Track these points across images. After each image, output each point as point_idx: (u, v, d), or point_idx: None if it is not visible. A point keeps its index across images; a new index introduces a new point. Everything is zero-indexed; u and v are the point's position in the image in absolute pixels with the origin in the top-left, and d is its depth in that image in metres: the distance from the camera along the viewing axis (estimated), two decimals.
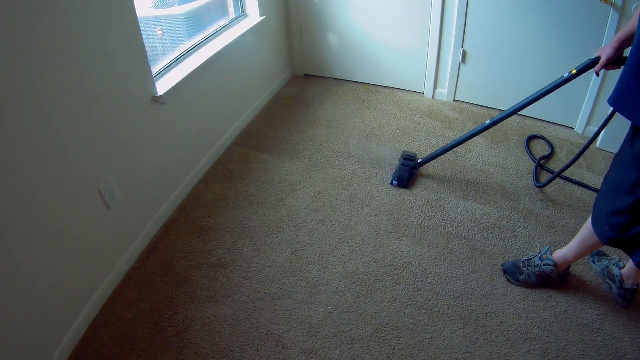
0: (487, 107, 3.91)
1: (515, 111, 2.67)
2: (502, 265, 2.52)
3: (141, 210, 2.72)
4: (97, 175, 2.32)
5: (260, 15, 3.70)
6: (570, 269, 2.44)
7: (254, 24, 3.59)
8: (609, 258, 2.51)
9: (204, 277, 2.55)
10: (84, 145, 2.20)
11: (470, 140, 3.47)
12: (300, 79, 4.54)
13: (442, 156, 3.33)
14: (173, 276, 2.57)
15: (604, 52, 2.16)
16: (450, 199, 2.99)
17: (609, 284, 2.42)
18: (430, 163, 3.27)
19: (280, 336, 2.25)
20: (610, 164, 2.00)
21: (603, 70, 2.22)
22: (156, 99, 2.63)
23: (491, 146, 3.45)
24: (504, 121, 3.66)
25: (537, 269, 2.38)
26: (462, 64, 3.78)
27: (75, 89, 2.09)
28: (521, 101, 2.64)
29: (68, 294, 2.24)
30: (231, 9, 3.65)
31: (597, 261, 2.52)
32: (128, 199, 2.55)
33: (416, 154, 3.30)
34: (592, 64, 2.28)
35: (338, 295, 2.43)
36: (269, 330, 2.28)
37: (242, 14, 3.70)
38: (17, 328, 1.97)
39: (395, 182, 3.08)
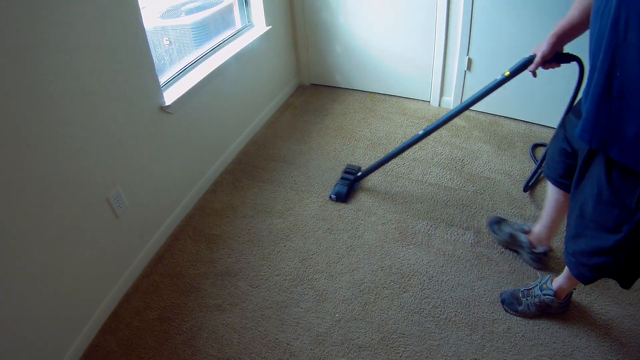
0: (493, 114, 3.91)
1: (446, 120, 2.58)
2: (500, 295, 2.44)
3: (149, 218, 2.74)
4: (105, 184, 2.34)
5: (267, 25, 3.73)
6: (572, 296, 2.36)
7: (260, 34, 3.61)
8: (509, 223, 2.49)
9: (212, 286, 2.57)
10: (92, 155, 2.23)
11: (476, 148, 3.50)
12: (307, 88, 4.57)
13: (448, 164, 3.35)
14: (181, 285, 2.59)
15: (539, 49, 2.00)
16: (457, 206, 2.99)
17: (517, 251, 2.40)
18: (437, 171, 3.29)
19: (287, 344, 2.26)
20: (576, 201, 1.83)
21: (542, 69, 2.05)
22: (164, 109, 2.65)
23: (497, 153, 3.45)
24: (510, 127, 3.71)
25: (536, 300, 2.29)
26: (467, 71, 3.79)
27: (83, 99, 2.12)
28: (451, 111, 2.56)
29: (76, 301, 2.26)
30: (238, 19, 3.68)
31: (498, 230, 2.49)
32: (136, 208, 2.57)
33: (360, 167, 3.26)
34: (526, 63, 2.12)
35: (345, 304, 2.43)
36: (277, 339, 2.29)
37: (248, 24, 3.73)
38: (26, 335, 1.99)
39: (333, 196, 3.07)
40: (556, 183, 2.19)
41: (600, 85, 1.48)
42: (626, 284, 1.88)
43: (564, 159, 2.06)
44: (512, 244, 2.50)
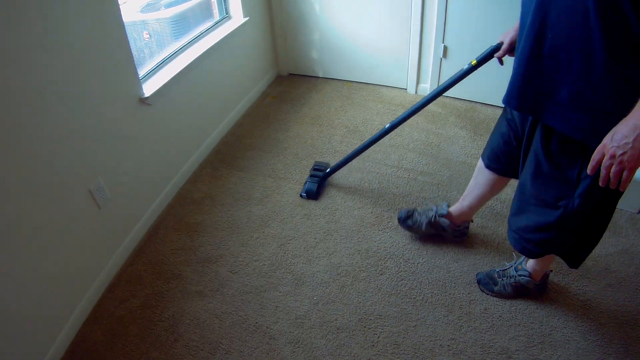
0: (469, 100, 3.98)
1: (412, 113, 2.57)
2: (476, 275, 2.48)
3: (131, 209, 2.76)
4: (87, 176, 2.36)
5: (244, 16, 3.75)
6: (549, 278, 2.39)
7: (238, 25, 3.63)
8: (421, 212, 2.60)
9: (193, 273, 2.60)
10: (73, 147, 2.24)
11: (452, 133, 3.55)
12: (285, 78, 4.60)
13: (424, 150, 3.40)
14: (163, 273, 2.62)
15: (507, 36, 1.97)
16: (433, 190, 3.05)
17: (439, 234, 2.52)
18: (413, 157, 3.35)
19: (267, 328, 2.30)
20: (520, 179, 1.86)
21: (507, 57, 2.02)
22: (143, 101, 2.68)
23: (474, 139, 3.52)
24: (487, 113, 3.76)
25: (512, 280, 2.32)
26: (443, 59, 3.85)
27: (63, 92, 2.13)
28: (417, 103, 2.54)
29: (61, 293, 2.27)
30: (216, 11, 3.69)
31: (413, 224, 2.60)
32: (118, 199, 2.60)
33: (328, 163, 3.27)
34: (493, 51, 2.07)
35: (323, 287, 2.48)
36: (257, 322, 2.33)
37: (226, 15, 3.75)
38: (11, 329, 2.00)
39: (304, 194, 3.06)
40: (490, 167, 2.21)
41: (530, 46, 1.47)
42: (573, 262, 1.89)
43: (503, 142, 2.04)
44: (434, 231, 2.55)
